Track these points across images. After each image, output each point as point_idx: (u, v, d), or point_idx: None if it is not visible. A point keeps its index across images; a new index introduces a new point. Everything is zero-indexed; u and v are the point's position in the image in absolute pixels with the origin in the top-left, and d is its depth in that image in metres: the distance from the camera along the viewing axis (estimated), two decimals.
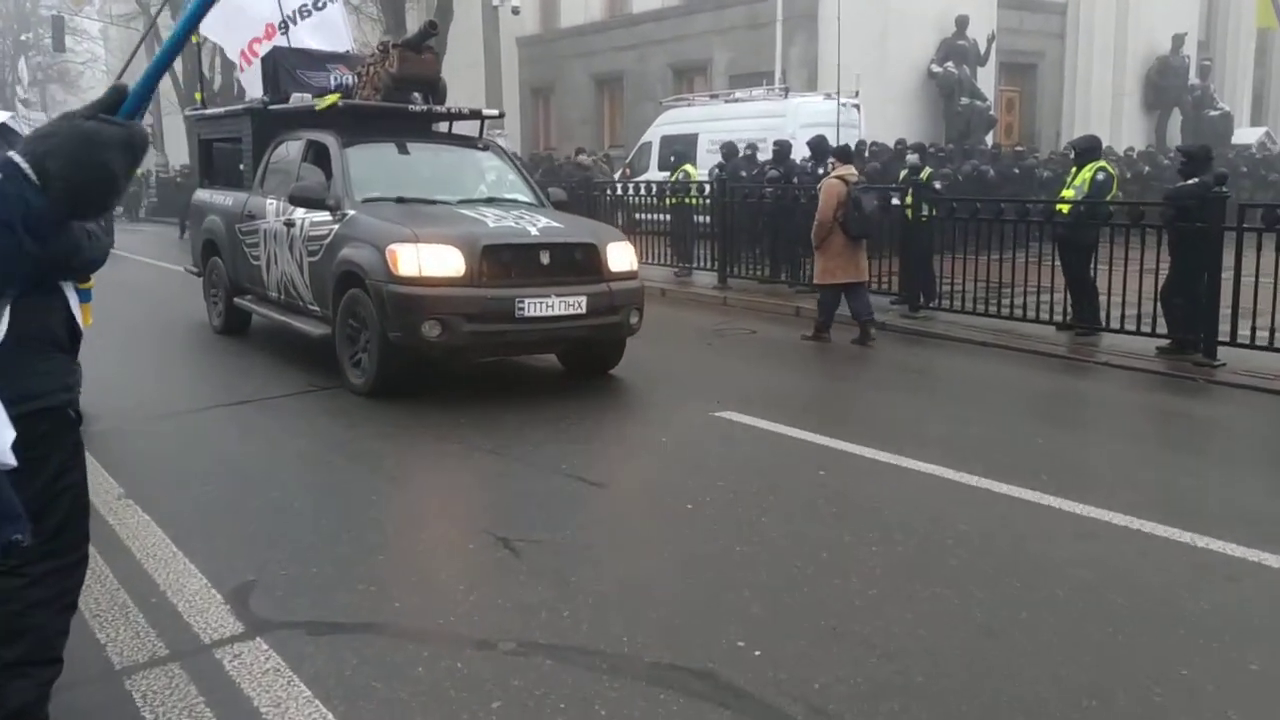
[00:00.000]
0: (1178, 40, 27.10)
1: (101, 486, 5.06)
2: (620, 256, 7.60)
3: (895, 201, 11.61)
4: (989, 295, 10.22)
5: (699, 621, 3.68)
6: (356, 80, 9.23)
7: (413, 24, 20.44)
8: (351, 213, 7.54)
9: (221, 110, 11.37)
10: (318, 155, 8.37)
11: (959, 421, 6.93)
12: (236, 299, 9.53)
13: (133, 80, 1.79)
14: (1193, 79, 27.54)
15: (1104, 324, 9.53)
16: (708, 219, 14.31)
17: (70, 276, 2.72)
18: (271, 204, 8.71)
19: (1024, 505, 5.06)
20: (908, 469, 5.63)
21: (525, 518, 4.82)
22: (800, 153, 14.92)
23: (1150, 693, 3.22)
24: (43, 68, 48.41)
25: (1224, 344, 8.41)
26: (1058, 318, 9.87)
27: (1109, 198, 9.87)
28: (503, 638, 3.53)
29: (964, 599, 3.90)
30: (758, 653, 3.43)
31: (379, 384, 7.12)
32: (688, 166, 16.16)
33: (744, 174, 15.46)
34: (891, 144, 18.38)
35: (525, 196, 8.61)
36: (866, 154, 17.45)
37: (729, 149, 15.93)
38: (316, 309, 8.02)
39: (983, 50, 23.41)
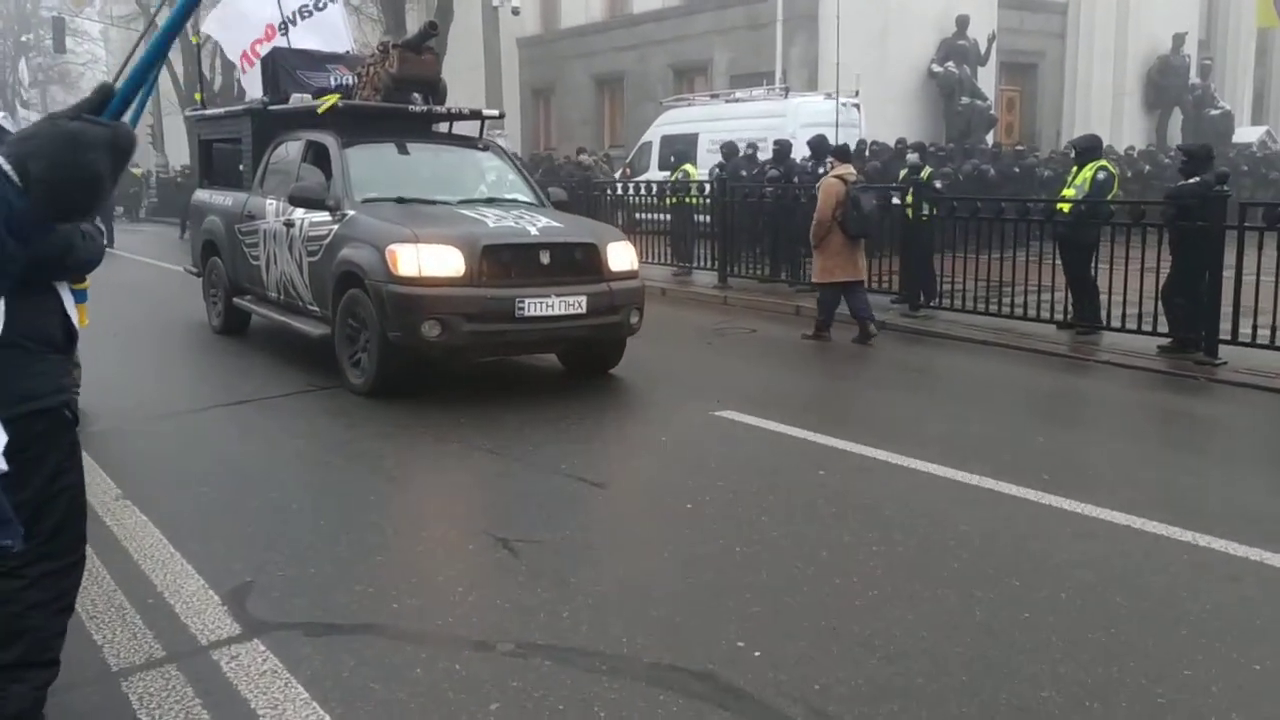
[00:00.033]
0: (1178, 39, 27.08)
1: (99, 487, 5.03)
2: (620, 256, 7.59)
3: (896, 201, 11.62)
4: (989, 294, 10.20)
5: (699, 622, 3.66)
6: (356, 81, 9.22)
7: (413, 24, 20.44)
8: (351, 213, 7.53)
9: (221, 111, 11.37)
10: (317, 155, 8.35)
11: (960, 421, 6.91)
12: (236, 299, 9.52)
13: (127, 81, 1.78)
14: (1193, 78, 27.52)
15: (1105, 323, 9.52)
16: (708, 218, 14.29)
17: (65, 276, 2.71)
18: (271, 204, 8.70)
19: (1025, 505, 5.04)
20: (908, 468, 5.61)
21: (525, 518, 4.80)
22: (800, 152, 14.91)
23: (1152, 693, 3.20)
24: (43, 69, 48.47)
25: (1225, 342, 8.40)
26: (1059, 317, 9.86)
27: (1110, 197, 9.85)
28: (501, 639, 3.52)
29: (965, 599, 3.89)
30: (757, 653, 3.42)
31: (378, 384, 7.10)
32: (688, 166, 16.15)
33: (744, 173, 15.46)
34: (892, 143, 18.36)
35: (525, 196, 8.60)
36: (867, 153, 17.44)
37: (729, 149, 15.92)
38: (316, 309, 8.01)
39: (983, 50, 23.40)
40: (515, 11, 24.13)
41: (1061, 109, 27.15)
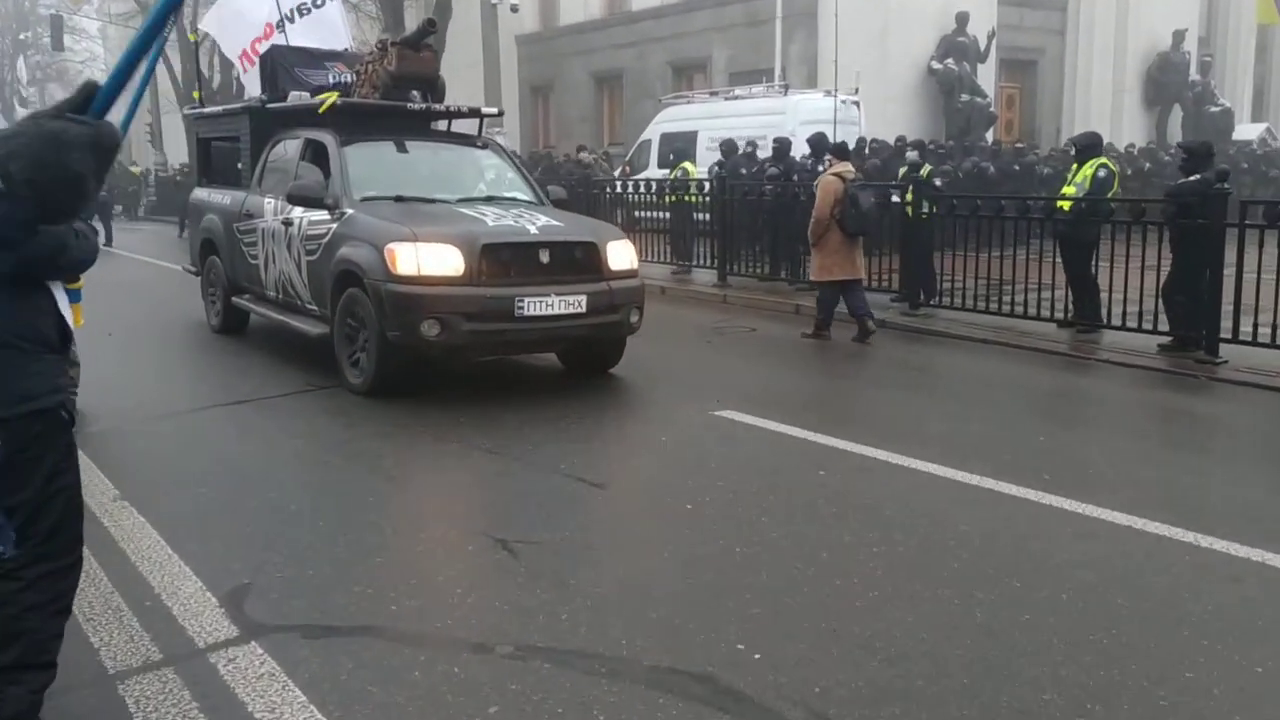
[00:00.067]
0: (1178, 36, 27.06)
1: (97, 488, 5.02)
2: (620, 255, 7.57)
3: (895, 199, 11.60)
4: (989, 292, 10.19)
5: (698, 624, 3.64)
6: (355, 78, 9.19)
7: (411, 22, 20.39)
8: (350, 211, 7.51)
9: (219, 109, 11.34)
10: (316, 154, 8.33)
11: (960, 420, 6.90)
12: (234, 298, 9.50)
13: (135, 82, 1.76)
14: (1193, 75, 27.49)
15: (1105, 321, 9.51)
16: (707, 216, 14.27)
17: (58, 276, 2.70)
18: (270, 203, 8.68)
19: (1025, 505, 5.02)
20: (908, 468, 5.59)
21: (524, 519, 4.79)
22: (800, 150, 14.88)
23: (1154, 695, 3.19)
24: (41, 67, 48.43)
25: (1226, 341, 8.38)
26: (1059, 315, 9.84)
27: (1110, 195, 9.83)
28: (500, 641, 3.50)
29: (965, 600, 3.87)
30: (757, 656, 3.40)
31: (377, 383, 7.09)
32: (686, 164, 16.12)
33: (744, 171, 15.43)
34: (891, 141, 18.34)
35: (525, 195, 8.58)
36: (866, 151, 17.42)
37: (728, 146, 15.89)
38: (315, 308, 7.99)
39: (983, 47, 23.37)
40: (514, 9, 24.10)
41: (1061, 106, 27.12)
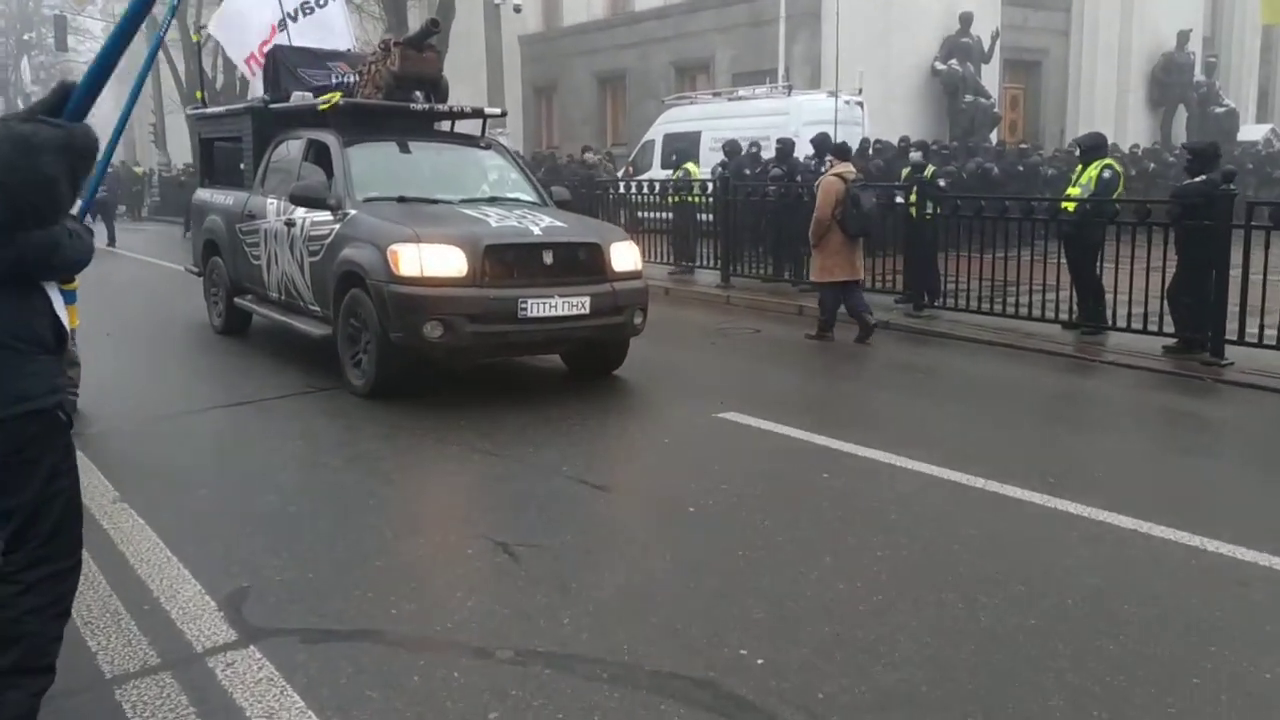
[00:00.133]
0: (1183, 37, 27.00)
1: (96, 489, 5.00)
2: (624, 256, 7.54)
3: (899, 200, 11.56)
4: (994, 294, 10.15)
5: (701, 628, 3.61)
6: (358, 79, 9.17)
7: (415, 22, 20.37)
8: (353, 212, 7.48)
9: (222, 109, 11.33)
10: (319, 154, 8.31)
11: (964, 422, 6.86)
12: (237, 299, 9.48)
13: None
14: (1198, 76, 27.44)
15: (1110, 323, 9.46)
16: (711, 217, 14.24)
17: (53, 277, 2.68)
18: (272, 203, 8.66)
19: (1030, 508, 4.99)
20: (913, 471, 5.56)
21: (525, 522, 4.76)
22: (804, 151, 14.85)
23: (1162, 703, 3.15)
24: (45, 67, 48.43)
25: (1232, 343, 8.33)
26: (1063, 316, 9.79)
27: (1115, 195, 9.79)
28: (501, 645, 3.48)
29: (970, 605, 3.84)
30: (760, 661, 3.37)
31: (378, 385, 7.06)
32: (689, 165, 16.09)
33: (748, 172, 15.39)
34: (895, 142, 18.29)
35: (528, 196, 8.55)
36: (870, 152, 17.38)
37: (732, 147, 15.85)
38: (317, 309, 7.97)
39: (987, 47, 23.33)
40: (517, 9, 24.08)
41: (1065, 107, 27.07)
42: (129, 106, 4.17)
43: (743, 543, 4.47)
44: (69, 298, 2.85)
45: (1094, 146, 10.07)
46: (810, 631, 3.60)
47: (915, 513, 4.90)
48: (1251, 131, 26.64)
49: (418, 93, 8.77)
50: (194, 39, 14.31)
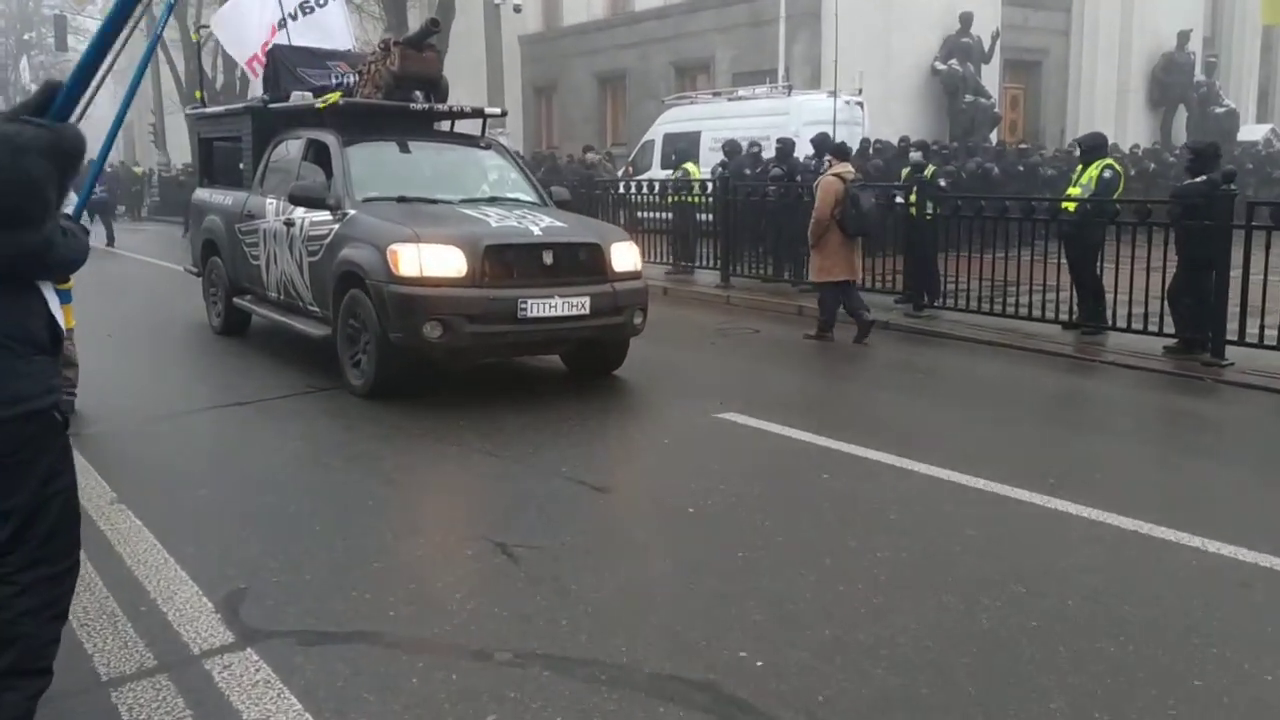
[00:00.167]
0: (1183, 37, 26.99)
1: (94, 490, 4.99)
2: (624, 256, 7.53)
3: (899, 200, 11.54)
4: (994, 294, 10.14)
5: (700, 630, 3.60)
6: (358, 78, 9.16)
7: (414, 22, 20.36)
8: (352, 212, 7.47)
9: (221, 109, 11.31)
10: (318, 154, 8.29)
11: (964, 422, 6.85)
12: (236, 299, 9.47)
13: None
14: (1198, 76, 27.42)
15: (1110, 323, 9.45)
16: (710, 217, 14.22)
17: (47, 276, 2.66)
18: (271, 203, 8.64)
19: (1031, 509, 4.97)
20: (913, 471, 5.54)
21: (524, 522, 4.74)
22: (804, 151, 14.83)
23: (1163, 704, 3.14)
24: (45, 67, 48.37)
25: (1232, 343, 8.31)
26: (1063, 317, 9.77)
27: (1115, 195, 9.77)
28: (499, 647, 3.46)
29: (971, 606, 3.82)
30: (760, 663, 3.36)
31: (378, 385, 7.05)
32: (688, 165, 16.07)
33: (748, 172, 15.37)
34: (895, 142, 18.27)
35: (528, 196, 8.54)
36: (870, 152, 17.37)
37: (732, 147, 15.84)
38: (316, 309, 7.95)
39: (987, 47, 23.31)
40: (517, 9, 24.07)
41: (1065, 107, 27.06)
42: (125, 104, 4.13)
43: (742, 544, 4.46)
44: (64, 298, 2.83)
45: (1094, 146, 10.06)
46: (810, 633, 3.59)
47: (915, 513, 4.88)
48: (1251, 131, 26.63)
49: (417, 92, 8.76)
50: (193, 38, 14.29)
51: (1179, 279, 8.75)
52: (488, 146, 9.22)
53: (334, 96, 8.49)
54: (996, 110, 23.75)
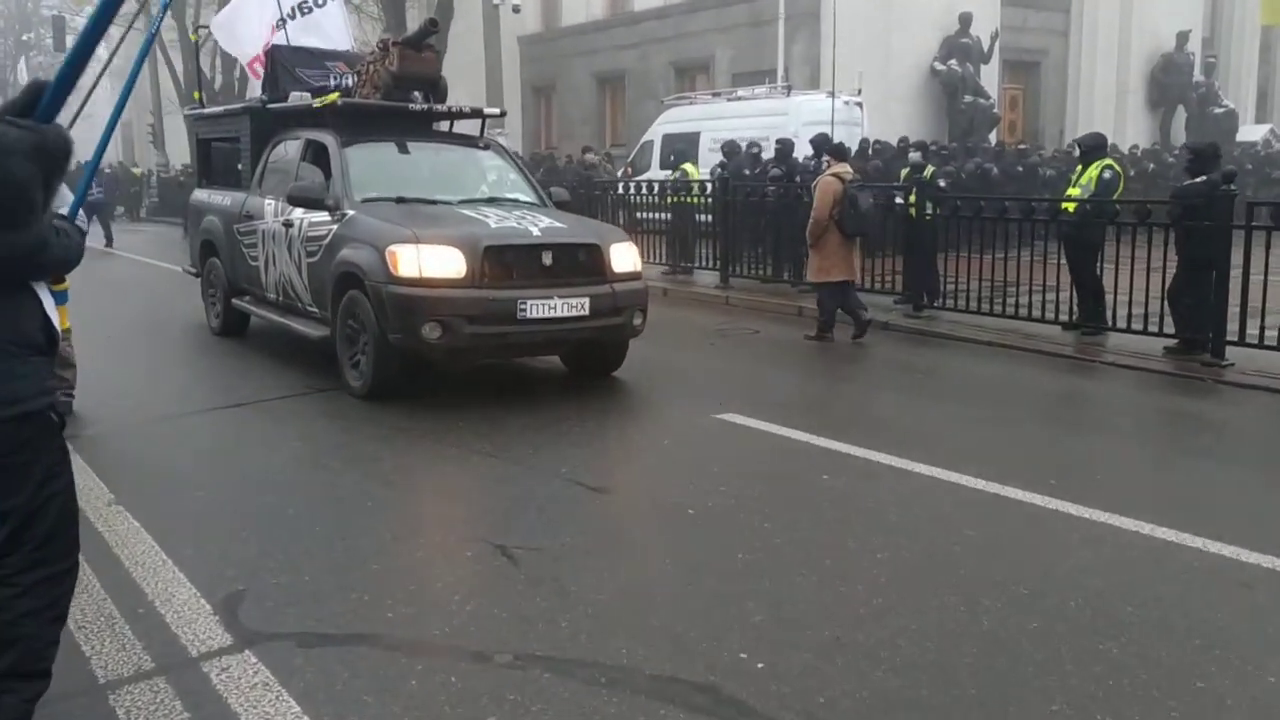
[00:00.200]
0: (1182, 37, 26.99)
1: (92, 492, 4.97)
2: (624, 257, 7.51)
3: (899, 200, 11.53)
4: (993, 295, 10.13)
5: (701, 632, 3.59)
6: (356, 79, 9.14)
7: (413, 22, 20.36)
8: (351, 213, 7.45)
9: (220, 109, 11.30)
10: (316, 155, 8.28)
11: (964, 423, 6.84)
12: (234, 300, 9.45)
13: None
14: (1197, 76, 27.42)
15: (1110, 323, 9.44)
16: (710, 218, 14.21)
17: (40, 277, 2.65)
18: (270, 204, 8.63)
19: (1032, 510, 4.96)
20: (913, 472, 5.53)
21: (524, 524, 4.73)
22: (804, 151, 14.82)
23: (1165, 706, 3.13)
24: (44, 68, 48.32)
25: (1232, 343, 8.30)
26: (1063, 317, 9.76)
27: (1115, 196, 9.77)
28: (499, 649, 3.45)
29: (972, 608, 3.81)
30: (760, 665, 3.35)
31: (377, 386, 7.03)
32: (686, 165, 16.06)
33: (747, 172, 15.36)
34: (894, 142, 18.27)
35: (527, 196, 8.52)
36: (870, 152, 17.36)
37: (731, 147, 15.83)
38: (315, 310, 7.94)
39: (986, 48, 23.30)
40: (516, 9, 24.05)
41: (1065, 107, 27.05)
42: (120, 103, 4.13)
43: (742, 545, 4.44)
44: (59, 298, 2.81)
45: (1094, 147, 10.05)
46: (811, 635, 3.58)
47: (916, 514, 4.87)
48: (1250, 132, 26.63)
49: (416, 93, 8.74)
50: (192, 38, 14.26)
51: (1179, 279, 8.75)
52: (486, 147, 9.21)
53: (332, 97, 8.48)
54: (996, 111, 23.75)
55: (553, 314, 6.98)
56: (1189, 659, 3.44)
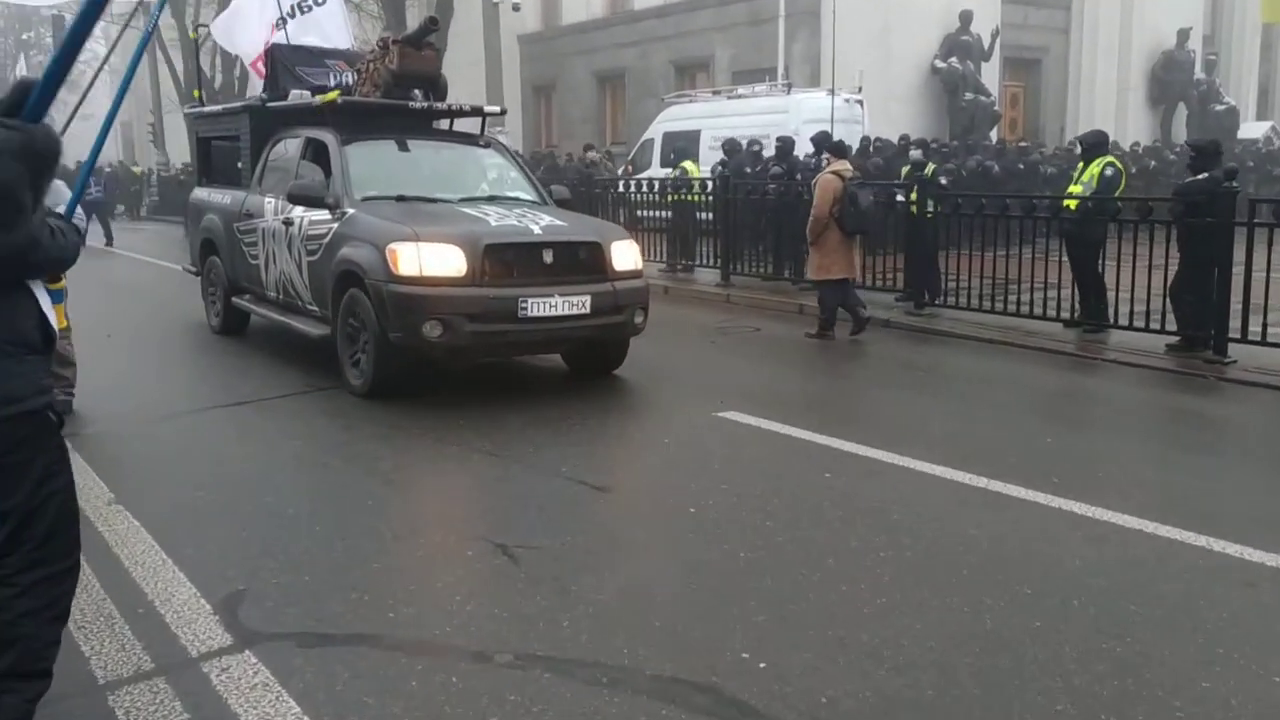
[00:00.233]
0: (1183, 35, 26.99)
1: (92, 491, 4.96)
2: (625, 255, 7.50)
3: (900, 198, 11.51)
4: (995, 292, 10.11)
5: (702, 632, 3.57)
6: (356, 77, 9.13)
7: (413, 20, 20.33)
8: (351, 211, 7.44)
9: (220, 108, 11.28)
10: (317, 153, 8.26)
11: (966, 421, 6.82)
12: (235, 299, 9.44)
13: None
14: (1198, 73, 27.42)
15: (1112, 321, 9.42)
16: (710, 216, 14.19)
17: (35, 275, 2.63)
18: (270, 202, 8.61)
19: (1034, 508, 4.95)
20: (915, 470, 5.52)
21: (524, 523, 4.71)
22: (804, 149, 14.81)
23: (1170, 706, 3.11)
24: (44, 67, 48.44)
25: (1234, 341, 8.29)
26: (1065, 315, 9.75)
27: (1117, 193, 9.75)
28: (500, 649, 3.43)
29: (974, 607, 3.79)
30: (763, 665, 3.33)
31: (377, 385, 7.02)
32: (686, 163, 16.04)
33: (748, 170, 15.35)
34: (895, 140, 18.25)
35: (527, 194, 8.51)
36: (870, 150, 17.34)
37: (731, 145, 15.82)
38: (315, 309, 7.92)
39: (987, 45, 23.30)
40: (516, 8, 24.06)
41: (1065, 105, 27.05)
42: (117, 102, 4.11)
43: (744, 544, 4.43)
44: (56, 297, 2.80)
45: (1096, 144, 10.03)
46: (813, 634, 3.56)
47: (918, 513, 4.85)
48: (1252, 129, 26.62)
49: (416, 91, 8.73)
50: (192, 37, 14.25)
51: (1181, 276, 8.73)
52: (487, 145, 9.19)
53: (332, 95, 8.46)
54: (996, 108, 23.73)
55: (553, 312, 6.96)
56: (1194, 658, 3.42)
